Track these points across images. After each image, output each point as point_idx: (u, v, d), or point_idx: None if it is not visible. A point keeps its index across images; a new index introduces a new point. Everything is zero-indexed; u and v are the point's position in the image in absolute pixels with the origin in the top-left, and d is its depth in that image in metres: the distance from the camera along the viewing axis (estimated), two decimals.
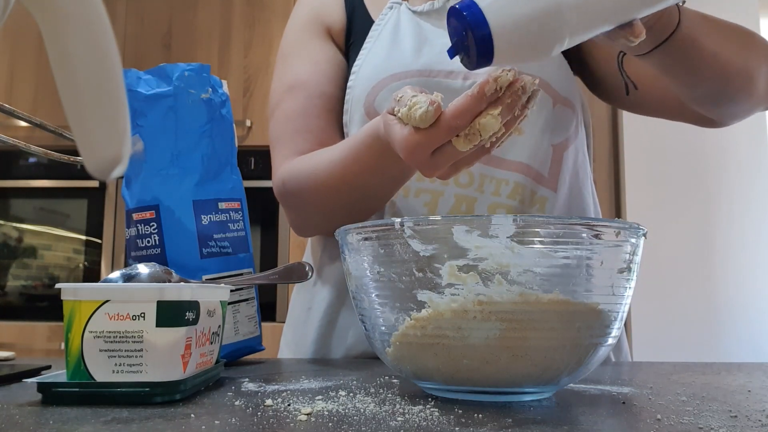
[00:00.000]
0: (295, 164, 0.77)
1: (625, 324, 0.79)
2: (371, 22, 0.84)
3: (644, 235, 0.47)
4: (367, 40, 0.82)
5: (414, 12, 0.82)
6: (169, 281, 0.58)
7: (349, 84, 0.81)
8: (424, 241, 0.43)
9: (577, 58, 0.86)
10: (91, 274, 2.34)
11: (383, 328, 0.47)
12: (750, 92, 0.71)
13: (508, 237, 0.42)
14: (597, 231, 0.44)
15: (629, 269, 0.46)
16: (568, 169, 0.80)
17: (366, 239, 0.47)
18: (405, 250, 0.44)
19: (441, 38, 0.79)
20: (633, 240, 0.46)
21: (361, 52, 0.82)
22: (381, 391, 0.49)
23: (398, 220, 0.45)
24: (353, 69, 0.81)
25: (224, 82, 0.73)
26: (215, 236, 0.68)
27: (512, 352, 0.42)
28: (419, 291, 0.44)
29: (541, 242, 0.42)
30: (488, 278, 0.42)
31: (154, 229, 0.65)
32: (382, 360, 0.50)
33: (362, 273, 0.48)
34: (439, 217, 0.44)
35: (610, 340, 0.46)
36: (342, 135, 0.82)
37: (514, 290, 0.41)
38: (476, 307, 0.42)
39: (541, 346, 0.42)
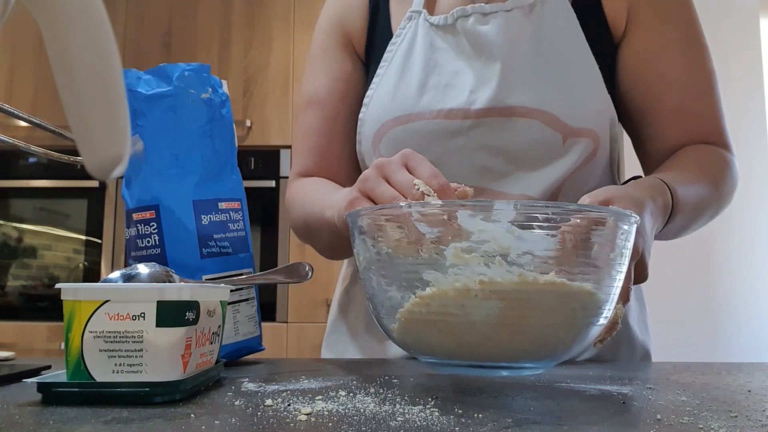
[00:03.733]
0: (294, 193, 0.85)
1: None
2: (390, 34, 0.83)
3: (635, 222, 0.49)
4: (381, 63, 0.81)
5: (431, 25, 0.79)
6: (169, 281, 0.58)
7: (360, 116, 0.82)
8: (430, 224, 0.46)
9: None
10: (91, 274, 2.34)
11: (390, 305, 0.49)
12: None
13: (509, 222, 0.44)
14: (592, 217, 0.46)
15: (621, 254, 0.48)
16: (571, 190, 0.76)
17: (375, 222, 0.49)
18: (412, 232, 0.47)
19: (450, 63, 0.77)
20: (625, 227, 0.48)
21: (374, 79, 0.81)
22: (381, 391, 0.49)
23: (405, 203, 0.48)
24: (365, 100, 0.82)
25: (224, 82, 0.73)
26: (215, 236, 0.68)
27: (511, 329, 0.45)
28: (425, 271, 0.46)
29: (539, 227, 0.45)
30: (490, 260, 0.44)
31: (154, 229, 0.65)
32: (388, 336, 0.52)
33: (371, 253, 0.50)
34: (445, 201, 0.47)
35: (602, 320, 0.48)
36: (350, 155, 0.86)
37: (514, 271, 0.44)
38: (478, 286, 0.44)
39: (538, 324, 0.45)
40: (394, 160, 0.59)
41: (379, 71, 0.81)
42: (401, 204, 0.48)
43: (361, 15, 0.86)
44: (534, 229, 0.45)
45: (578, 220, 0.46)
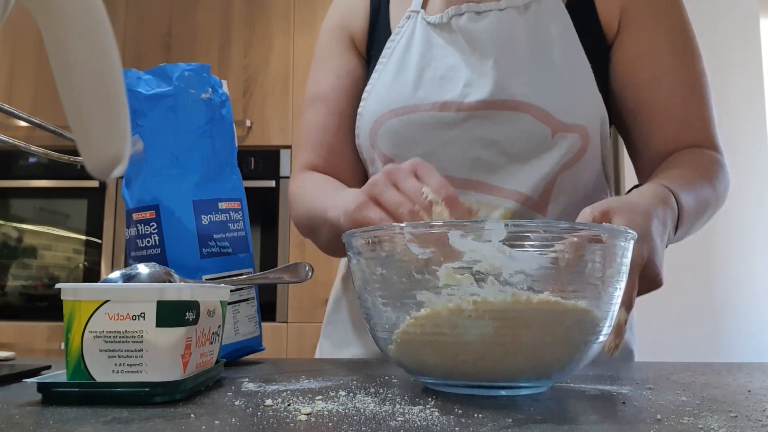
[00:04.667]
0: (298, 188, 0.86)
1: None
2: (390, 33, 0.85)
3: (632, 239, 0.48)
4: (380, 59, 0.83)
5: (428, 23, 0.81)
6: (169, 281, 0.58)
7: (359, 110, 0.84)
8: (422, 244, 0.46)
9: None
10: (91, 274, 2.34)
11: (386, 326, 0.49)
12: None
13: (500, 241, 0.44)
14: (586, 236, 0.46)
15: (618, 271, 0.47)
16: (564, 189, 0.77)
17: (369, 243, 0.49)
18: (405, 253, 0.46)
19: (446, 57, 0.79)
20: (622, 243, 0.47)
21: (372, 75, 0.84)
22: (381, 391, 0.49)
23: (398, 225, 0.47)
24: (363, 95, 0.84)
25: (224, 82, 0.73)
26: (215, 236, 0.68)
27: (505, 348, 0.44)
28: (418, 291, 0.46)
29: (531, 246, 0.45)
30: (482, 279, 0.44)
31: (154, 229, 0.65)
32: (386, 356, 0.51)
33: (366, 274, 0.50)
34: (436, 222, 0.46)
35: (601, 338, 0.48)
36: (354, 150, 0.87)
37: (507, 291, 0.44)
38: (471, 306, 0.44)
39: (532, 342, 0.44)
40: (404, 167, 0.60)
41: (377, 67, 0.83)
42: (393, 225, 0.47)
43: (362, 16, 0.88)
44: (525, 248, 0.44)
45: (575, 239, 0.45)
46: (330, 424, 0.37)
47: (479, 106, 0.75)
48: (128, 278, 0.56)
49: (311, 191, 0.82)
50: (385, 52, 0.83)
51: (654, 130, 0.79)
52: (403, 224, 0.47)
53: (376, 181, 0.60)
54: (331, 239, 0.76)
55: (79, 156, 0.35)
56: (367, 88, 0.83)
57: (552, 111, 0.74)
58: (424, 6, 0.84)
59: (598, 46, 0.79)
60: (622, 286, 0.48)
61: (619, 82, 0.80)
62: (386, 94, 0.81)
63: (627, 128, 0.82)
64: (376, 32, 0.87)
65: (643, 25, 0.78)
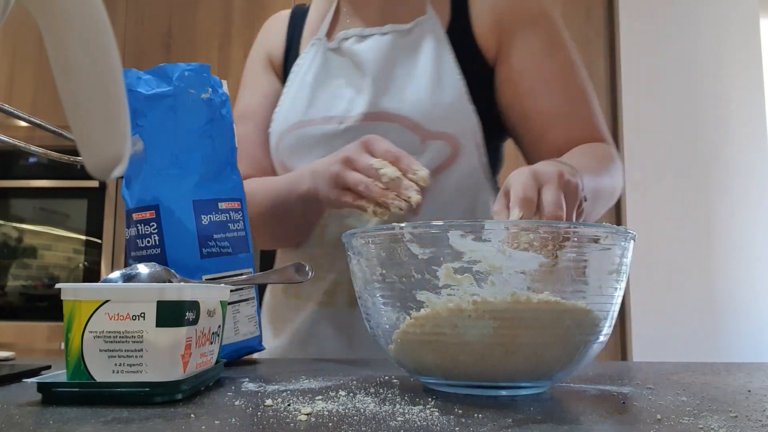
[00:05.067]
0: (251, 188, 0.89)
1: (624, 324, 0.79)
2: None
3: (633, 238, 0.48)
4: (286, 83, 0.94)
5: (327, 49, 0.91)
6: (170, 281, 0.58)
7: (269, 130, 0.94)
8: (422, 244, 0.46)
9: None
10: (91, 274, 2.34)
11: (386, 326, 0.49)
12: None
13: (500, 241, 0.44)
14: (586, 236, 0.46)
15: (618, 271, 0.48)
16: (435, 190, 0.81)
17: (369, 243, 0.49)
18: (405, 253, 0.46)
19: (337, 78, 0.89)
20: (622, 243, 0.47)
21: (281, 98, 0.94)
22: (381, 391, 0.49)
23: (399, 225, 0.47)
24: (273, 116, 0.94)
25: (224, 82, 0.73)
26: (215, 236, 0.68)
27: (505, 348, 0.45)
28: (418, 291, 0.46)
29: (531, 245, 0.45)
30: (482, 279, 0.44)
31: (154, 229, 0.65)
32: (387, 356, 0.52)
33: (366, 275, 0.50)
34: (436, 222, 0.46)
35: (601, 338, 0.48)
36: None
37: (507, 291, 0.44)
38: (471, 306, 0.44)
39: (532, 342, 0.45)
40: (355, 148, 0.70)
41: (284, 90, 0.94)
42: (393, 224, 0.48)
43: (280, 44, 0.99)
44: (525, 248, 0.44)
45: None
46: (330, 424, 0.37)
47: (359, 118, 0.85)
48: (128, 278, 0.56)
49: (270, 182, 0.87)
50: (291, 76, 0.94)
51: (545, 132, 0.87)
52: (403, 224, 0.47)
53: (338, 171, 0.70)
54: (305, 213, 0.82)
55: (79, 156, 0.35)
56: (276, 110, 0.94)
57: (419, 120, 0.83)
58: (328, 34, 0.93)
59: (480, 69, 0.87)
60: (622, 286, 0.48)
61: (506, 96, 0.88)
62: (287, 113, 0.91)
63: (520, 135, 0.90)
64: (290, 59, 0.97)
65: (519, 44, 0.87)
